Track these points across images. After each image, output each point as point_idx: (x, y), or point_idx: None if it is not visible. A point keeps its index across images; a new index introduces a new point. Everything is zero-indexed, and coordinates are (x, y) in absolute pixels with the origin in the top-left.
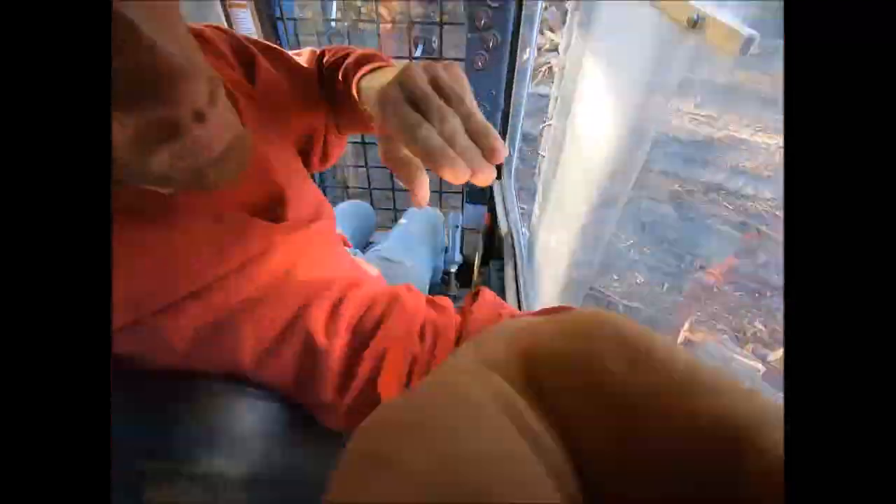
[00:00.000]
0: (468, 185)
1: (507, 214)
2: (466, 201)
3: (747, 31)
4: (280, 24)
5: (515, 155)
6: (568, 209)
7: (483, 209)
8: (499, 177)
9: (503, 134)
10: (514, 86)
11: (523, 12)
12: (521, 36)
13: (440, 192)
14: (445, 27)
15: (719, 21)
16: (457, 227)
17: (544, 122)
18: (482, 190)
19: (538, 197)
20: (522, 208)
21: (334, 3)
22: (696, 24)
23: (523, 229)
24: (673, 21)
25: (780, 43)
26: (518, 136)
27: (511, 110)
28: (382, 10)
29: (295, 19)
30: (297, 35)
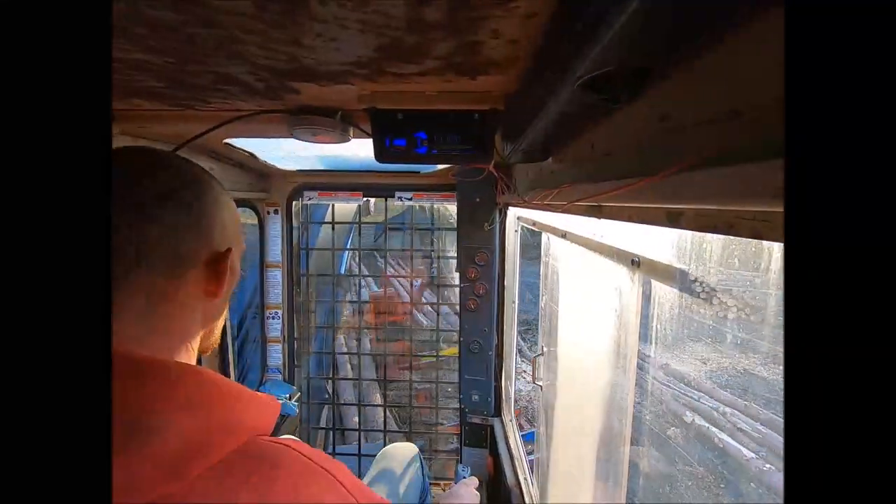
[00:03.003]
0: (467, 423)
1: (511, 460)
2: (464, 444)
3: (677, 265)
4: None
5: (514, 387)
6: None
7: (484, 453)
8: (497, 413)
9: (498, 368)
10: (503, 325)
11: (506, 269)
12: (504, 288)
13: (431, 433)
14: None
15: (653, 259)
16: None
17: (538, 352)
18: (481, 429)
19: (541, 436)
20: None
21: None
22: (637, 264)
23: (532, 479)
24: (621, 264)
25: None
26: (514, 372)
27: (504, 346)
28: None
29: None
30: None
